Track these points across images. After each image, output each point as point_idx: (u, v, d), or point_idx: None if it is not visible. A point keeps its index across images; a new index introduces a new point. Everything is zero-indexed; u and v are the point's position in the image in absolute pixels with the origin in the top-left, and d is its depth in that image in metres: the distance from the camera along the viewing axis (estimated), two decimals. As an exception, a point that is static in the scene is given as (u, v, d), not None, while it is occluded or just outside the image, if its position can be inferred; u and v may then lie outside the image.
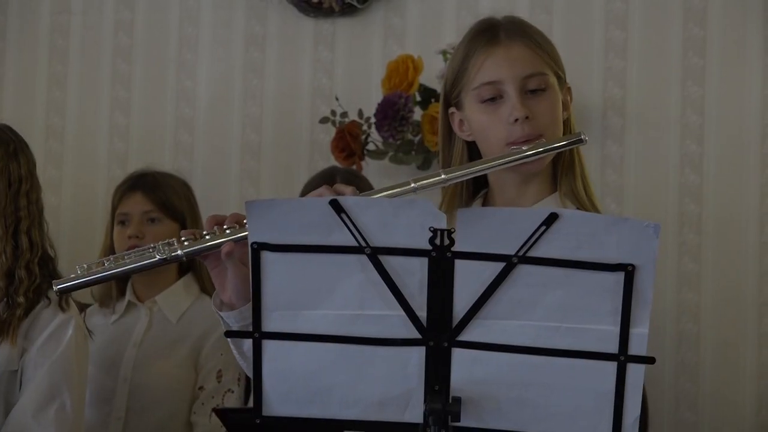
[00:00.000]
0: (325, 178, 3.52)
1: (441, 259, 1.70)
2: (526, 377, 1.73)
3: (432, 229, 1.69)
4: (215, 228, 2.06)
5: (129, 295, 3.49)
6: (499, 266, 1.70)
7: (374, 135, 3.94)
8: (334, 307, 1.74)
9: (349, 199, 1.72)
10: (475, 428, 1.74)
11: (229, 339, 2.18)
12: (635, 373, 1.71)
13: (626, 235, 1.68)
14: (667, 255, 3.84)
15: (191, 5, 4.32)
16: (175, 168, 3.88)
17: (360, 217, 1.71)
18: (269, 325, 1.75)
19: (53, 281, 2.14)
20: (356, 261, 1.72)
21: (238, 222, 2.06)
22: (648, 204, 3.91)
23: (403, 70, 3.88)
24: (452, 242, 1.69)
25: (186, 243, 2.06)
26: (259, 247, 1.73)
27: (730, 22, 3.89)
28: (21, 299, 2.84)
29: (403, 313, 1.72)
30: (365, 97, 4.04)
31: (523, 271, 1.70)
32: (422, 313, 1.72)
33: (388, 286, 1.71)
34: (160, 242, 2.08)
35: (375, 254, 1.71)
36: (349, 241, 1.71)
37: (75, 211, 4.34)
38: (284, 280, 1.74)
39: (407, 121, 3.83)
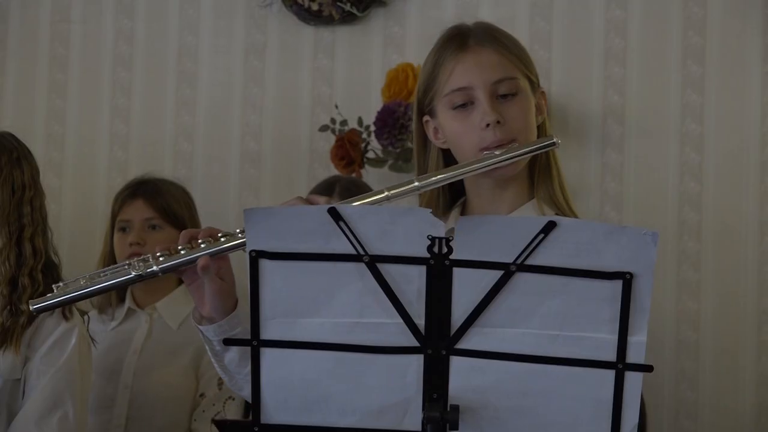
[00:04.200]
0: (328, 187, 3.52)
1: (439, 267, 1.70)
2: (525, 385, 1.73)
3: (430, 237, 1.69)
4: (191, 242, 2.07)
5: (128, 302, 3.49)
6: (498, 274, 1.70)
7: (374, 143, 3.94)
8: (332, 315, 1.74)
9: (348, 208, 1.72)
10: (473, 436, 1.74)
11: (209, 352, 2.17)
12: (633, 381, 1.71)
13: (624, 243, 1.68)
14: (667, 263, 3.84)
15: (191, 14, 4.32)
16: (174, 176, 3.89)
17: (358, 225, 1.71)
18: (267, 332, 1.76)
19: (30, 300, 2.14)
20: (354, 269, 1.72)
21: (212, 236, 2.07)
22: (648, 212, 3.91)
23: (402, 78, 3.88)
24: (450, 250, 1.69)
25: (161, 258, 2.07)
26: (258, 255, 1.73)
27: (730, 30, 3.89)
28: (24, 307, 2.84)
29: (401, 321, 1.72)
30: (365, 106, 4.04)
31: (521, 279, 1.70)
32: (420, 321, 1.72)
33: (386, 294, 1.71)
34: (135, 258, 2.09)
35: (373, 262, 1.71)
36: (348, 249, 1.71)
37: (75, 220, 4.34)
38: (282, 287, 1.74)
39: (407, 130, 3.83)
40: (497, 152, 2.14)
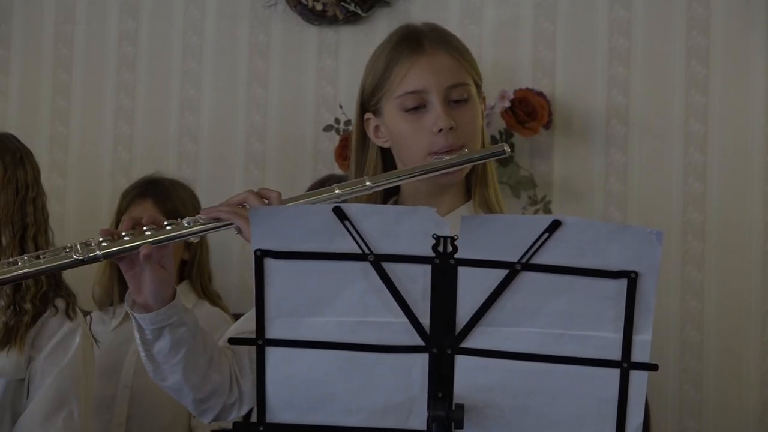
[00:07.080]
0: (320, 187, 3.51)
1: (444, 266, 1.70)
2: (530, 385, 1.73)
3: (435, 236, 1.69)
4: (134, 229, 2.04)
5: (127, 302, 3.49)
6: (502, 273, 1.70)
7: (378, 143, 3.94)
8: (337, 314, 1.74)
9: (353, 207, 1.73)
10: (478, 435, 1.74)
11: (137, 340, 2.15)
12: (638, 380, 1.71)
13: (629, 242, 1.68)
14: (671, 263, 3.84)
15: (195, 15, 4.33)
16: (179, 177, 3.89)
17: (363, 224, 1.71)
18: (272, 332, 1.75)
19: None
20: (359, 268, 1.72)
21: (157, 224, 2.04)
22: (652, 212, 3.91)
23: (406, 78, 3.88)
24: (455, 249, 1.69)
25: (104, 244, 2.02)
26: (263, 254, 1.73)
27: (734, 30, 3.89)
28: (28, 306, 2.85)
29: (406, 320, 1.72)
30: (369, 106, 4.04)
31: (526, 278, 1.70)
32: (425, 320, 1.72)
33: (391, 293, 1.71)
34: (78, 242, 2.03)
35: (378, 261, 1.71)
36: (352, 248, 1.71)
37: (79, 220, 4.35)
38: (287, 287, 1.74)
39: (410, 130, 3.83)
40: (446, 158, 2.15)
